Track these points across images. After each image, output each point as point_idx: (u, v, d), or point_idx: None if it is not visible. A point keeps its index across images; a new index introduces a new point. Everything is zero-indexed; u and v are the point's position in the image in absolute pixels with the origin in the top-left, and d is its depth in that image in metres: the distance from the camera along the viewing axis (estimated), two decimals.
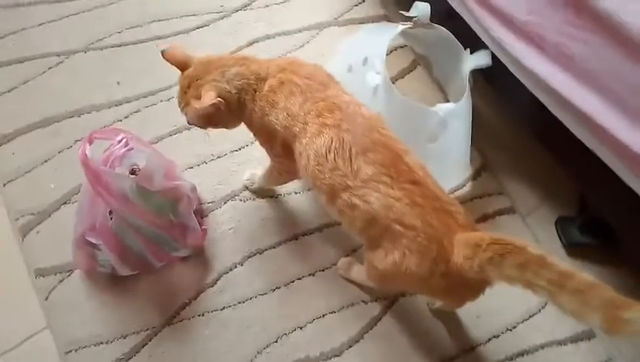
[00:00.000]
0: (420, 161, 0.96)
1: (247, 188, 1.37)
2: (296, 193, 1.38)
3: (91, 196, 1.04)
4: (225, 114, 1.03)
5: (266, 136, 1.08)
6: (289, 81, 1.01)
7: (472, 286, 0.95)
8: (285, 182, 1.32)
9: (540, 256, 0.79)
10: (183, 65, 1.05)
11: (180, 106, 1.07)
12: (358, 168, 0.93)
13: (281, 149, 1.08)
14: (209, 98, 0.98)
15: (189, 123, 1.09)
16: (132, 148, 1.02)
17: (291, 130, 1.01)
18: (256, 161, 1.34)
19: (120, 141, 1.00)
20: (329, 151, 0.95)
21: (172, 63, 1.06)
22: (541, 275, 0.77)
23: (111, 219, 1.09)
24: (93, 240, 1.08)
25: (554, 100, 1.04)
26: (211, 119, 1.05)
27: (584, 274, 0.76)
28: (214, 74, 1.02)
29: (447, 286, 0.94)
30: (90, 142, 0.98)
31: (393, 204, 0.91)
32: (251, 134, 1.15)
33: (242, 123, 1.12)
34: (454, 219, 0.92)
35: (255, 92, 1.03)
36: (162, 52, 1.06)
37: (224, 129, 1.12)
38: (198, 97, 1.00)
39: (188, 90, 1.03)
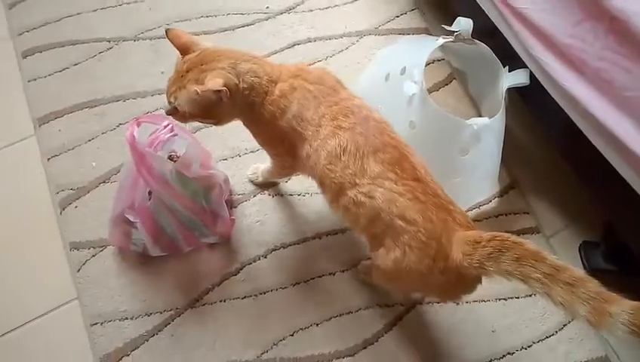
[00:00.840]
0: (422, 161, 0.99)
1: (251, 181, 1.40)
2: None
3: (134, 177, 1.08)
4: (224, 107, 0.98)
5: (272, 138, 1.09)
6: (301, 87, 1.01)
7: (466, 282, 0.98)
8: (287, 176, 1.36)
9: (536, 251, 0.83)
10: (185, 49, 1.01)
11: (168, 91, 1.01)
12: (367, 167, 0.96)
13: (284, 150, 1.09)
14: (216, 83, 0.93)
15: (167, 113, 1.02)
16: (176, 135, 1.06)
17: (302, 134, 1.01)
18: None
19: (165, 126, 1.05)
20: (343, 153, 0.97)
21: (175, 44, 1.02)
22: (537, 268, 0.81)
23: (149, 200, 1.13)
24: (132, 218, 1.13)
25: (589, 124, 1.05)
26: (205, 108, 0.97)
27: (575, 268, 0.80)
28: (224, 63, 0.98)
29: (445, 283, 0.97)
30: (138, 125, 1.03)
31: (396, 199, 0.94)
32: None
33: (233, 120, 1.08)
34: (453, 217, 0.95)
35: (266, 95, 1.01)
36: (166, 30, 1.03)
37: (211, 124, 1.07)
38: (200, 82, 0.95)
39: (186, 75, 0.98)
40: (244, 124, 1.12)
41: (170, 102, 1.01)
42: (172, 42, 1.02)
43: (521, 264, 0.82)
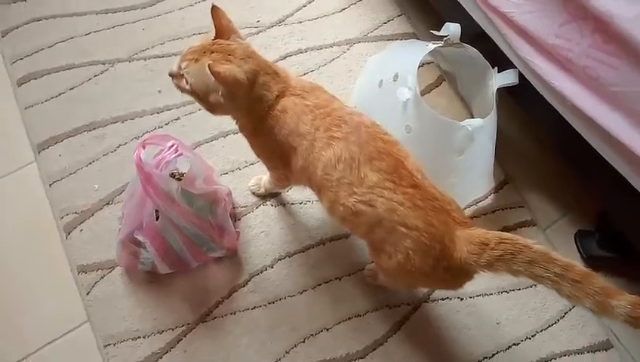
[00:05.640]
0: (418, 164, 1.02)
1: (253, 193, 1.43)
2: None
3: (140, 197, 1.10)
4: (236, 98, 1.01)
5: (269, 150, 1.13)
6: (301, 103, 1.04)
7: (468, 274, 1.03)
8: (285, 187, 1.39)
9: (545, 252, 0.89)
10: (221, 32, 1.03)
11: (184, 57, 1.02)
12: (365, 176, 0.98)
13: (280, 163, 1.12)
14: (232, 72, 0.96)
15: (170, 74, 1.04)
16: (181, 154, 1.08)
17: (298, 148, 1.04)
18: None
19: (170, 147, 1.07)
20: (338, 162, 1.00)
21: (215, 22, 1.03)
22: (547, 269, 0.87)
23: (157, 219, 1.15)
24: (141, 238, 1.15)
25: (579, 119, 1.09)
26: (207, 90, 1.00)
27: (581, 266, 0.87)
28: (249, 65, 1.00)
29: (448, 278, 1.02)
30: (144, 147, 1.05)
31: (397, 208, 0.97)
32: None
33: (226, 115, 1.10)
34: (452, 217, 0.98)
35: (269, 109, 1.04)
36: (213, 7, 1.03)
37: (205, 110, 1.07)
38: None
39: (209, 53, 0.99)
40: (243, 133, 1.14)
41: (179, 67, 1.02)
42: (213, 19, 1.03)
43: (533, 265, 0.88)
